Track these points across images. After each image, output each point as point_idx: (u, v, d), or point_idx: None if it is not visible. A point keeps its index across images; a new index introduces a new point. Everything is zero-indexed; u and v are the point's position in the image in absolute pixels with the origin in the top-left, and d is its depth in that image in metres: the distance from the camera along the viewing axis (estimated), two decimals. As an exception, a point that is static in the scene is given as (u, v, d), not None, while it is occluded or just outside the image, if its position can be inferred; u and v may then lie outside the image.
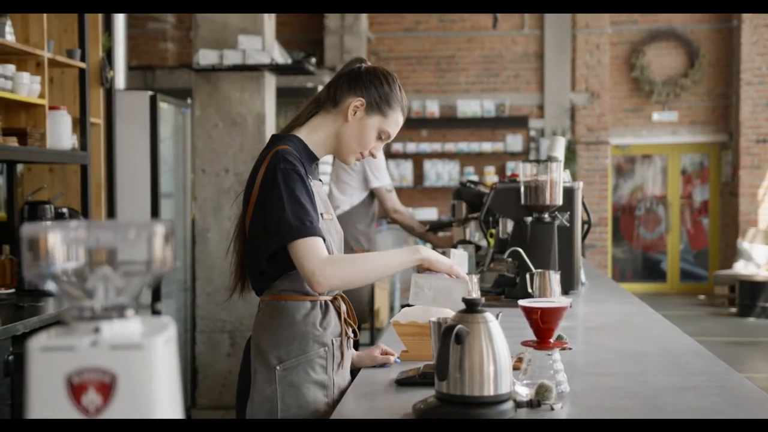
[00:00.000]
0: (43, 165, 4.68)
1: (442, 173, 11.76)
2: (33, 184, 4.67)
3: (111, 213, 4.95)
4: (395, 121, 2.31)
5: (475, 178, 11.40)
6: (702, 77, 11.84)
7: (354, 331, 2.36)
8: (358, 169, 4.72)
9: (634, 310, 3.45)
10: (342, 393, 2.25)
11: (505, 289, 3.67)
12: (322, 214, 2.21)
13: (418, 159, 11.89)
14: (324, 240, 2.13)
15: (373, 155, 2.33)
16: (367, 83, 2.27)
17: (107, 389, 0.92)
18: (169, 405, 0.96)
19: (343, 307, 2.31)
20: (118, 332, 0.95)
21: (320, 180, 2.37)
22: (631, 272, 12.74)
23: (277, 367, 2.19)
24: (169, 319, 1.02)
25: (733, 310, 10.52)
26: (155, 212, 5.33)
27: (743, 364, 7.87)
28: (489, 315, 1.86)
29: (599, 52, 11.76)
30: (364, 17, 11.60)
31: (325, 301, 2.26)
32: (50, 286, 0.97)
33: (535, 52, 11.89)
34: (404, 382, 2.17)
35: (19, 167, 4.69)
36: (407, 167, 11.84)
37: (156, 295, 5.36)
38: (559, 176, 3.71)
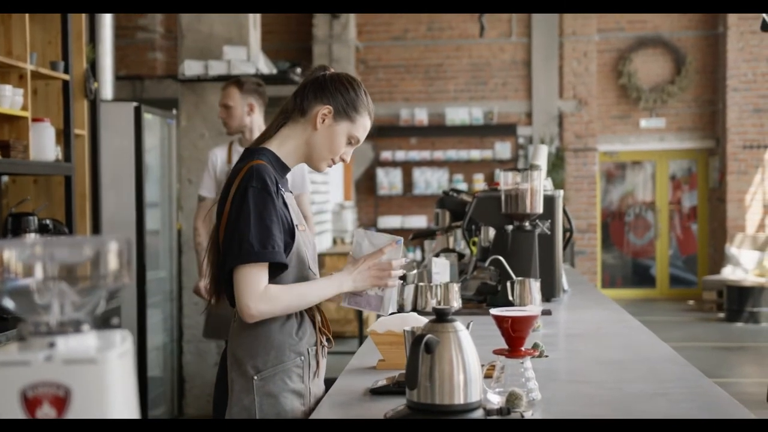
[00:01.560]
0: (28, 177, 4.69)
1: (431, 181, 11.79)
2: (17, 196, 4.67)
3: (96, 224, 4.96)
4: (363, 125, 2.33)
5: (464, 185, 11.44)
6: (689, 84, 11.90)
7: (329, 340, 2.38)
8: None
9: (615, 317, 3.48)
10: (318, 401, 2.27)
11: (487, 297, 3.69)
12: (297, 225, 2.24)
13: (407, 167, 11.92)
14: (285, 265, 2.17)
15: (344, 161, 2.36)
16: (333, 90, 2.29)
17: (61, 403, 0.94)
18: (123, 417, 0.98)
19: (318, 317, 2.33)
20: (73, 347, 0.97)
21: (291, 192, 2.39)
22: (621, 278, 12.77)
23: (255, 377, 2.21)
24: (126, 333, 1.04)
25: (722, 315, 10.55)
26: (140, 222, 5.34)
27: (730, 369, 7.90)
28: (459, 324, 1.88)
29: (586, 60, 11.81)
30: (352, 26, 11.64)
31: (301, 312, 2.28)
32: (7, 302, 0.98)
33: (523, 59, 11.94)
34: (379, 391, 2.19)
35: (4, 179, 4.70)
36: (396, 175, 11.87)
37: (141, 305, 5.36)
38: (539, 185, 3.74)
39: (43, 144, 4.31)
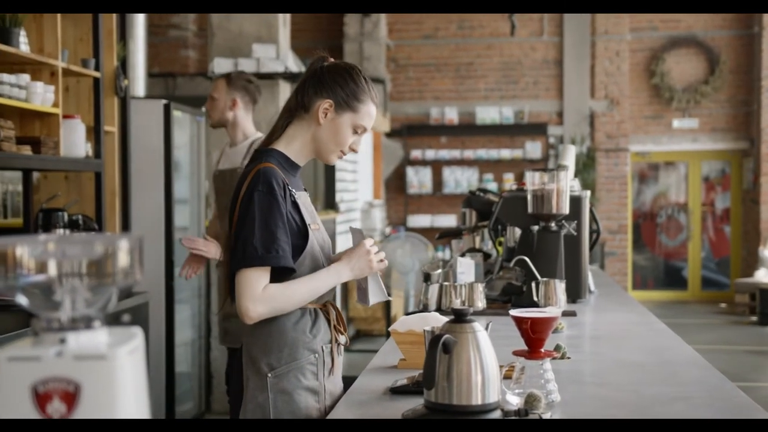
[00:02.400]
0: (59, 173, 4.75)
1: (461, 180, 11.77)
2: (49, 192, 4.73)
3: (125, 220, 5.00)
4: (367, 113, 2.31)
5: (494, 185, 11.42)
6: (723, 84, 11.78)
7: (345, 338, 2.38)
8: None
9: (640, 319, 3.45)
10: (334, 399, 2.29)
11: (512, 298, 3.68)
12: (309, 224, 2.25)
13: (437, 166, 11.91)
14: (292, 269, 2.19)
15: (354, 150, 2.35)
16: (331, 83, 2.28)
17: (71, 398, 0.95)
18: (133, 413, 0.99)
19: (333, 315, 2.34)
20: (83, 343, 0.98)
21: (305, 190, 2.40)
22: (653, 280, 12.67)
23: (269, 375, 2.22)
24: (137, 330, 1.05)
25: (754, 318, 10.44)
26: (169, 219, 5.39)
27: (762, 373, 7.81)
28: (477, 325, 1.88)
29: (619, 59, 11.73)
30: (383, 24, 11.65)
31: (315, 309, 2.29)
32: (20, 298, 1.00)
33: (555, 58, 11.88)
34: (398, 391, 2.19)
35: (35, 175, 4.76)
36: (426, 174, 11.86)
37: (170, 301, 5.41)
38: (566, 185, 3.72)
39: (74, 140, 4.36)
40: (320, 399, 2.26)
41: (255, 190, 2.18)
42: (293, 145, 2.32)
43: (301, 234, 2.22)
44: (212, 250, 3.99)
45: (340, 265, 2.28)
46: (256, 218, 2.15)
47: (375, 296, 2.37)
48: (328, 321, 2.32)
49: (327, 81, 2.28)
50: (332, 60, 2.35)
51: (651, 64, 11.90)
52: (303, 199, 2.30)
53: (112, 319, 1.07)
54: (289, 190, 2.22)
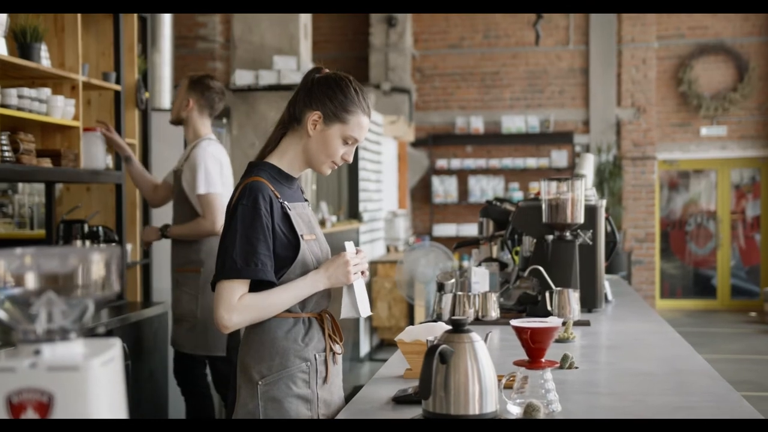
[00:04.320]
0: (81, 185, 4.81)
1: (487, 189, 11.76)
2: (71, 203, 4.79)
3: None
4: (357, 124, 2.32)
5: (519, 194, 11.39)
6: (751, 91, 11.67)
7: (340, 347, 2.39)
8: None
9: (654, 329, 3.43)
10: (329, 408, 2.30)
11: (527, 307, 3.67)
12: (302, 235, 2.26)
13: (462, 175, 11.91)
14: (272, 282, 2.21)
15: (346, 160, 2.36)
16: (320, 95, 2.29)
17: (45, 408, 0.98)
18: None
19: (328, 323, 2.35)
20: (59, 354, 1.00)
21: (305, 200, 2.42)
22: (681, 288, 12.56)
23: (259, 382, 2.24)
24: (115, 341, 1.07)
25: (784, 327, 10.31)
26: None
27: (790, 383, 7.71)
28: (475, 335, 1.88)
29: (645, 67, 11.66)
30: (408, 34, 11.68)
31: (309, 318, 2.30)
32: (-2, 311, 1.02)
33: (581, 67, 11.84)
34: (401, 400, 2.20)
35: (58, 186, 4.83)
36: (452, 183, 11.86)
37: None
38: (581, 194, 3.71)
39: (94, 153, 4.42)
40: (312, 407, 2.27)
41: (239, 203, 2.22)
42: (286, 157, 2.34)
43: (290, 245, 2.24)
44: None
45: (317, 273, 2.29)
46: (238, 231, 2.19)
47: (347, 310, 2.36)
48: (323, 330, 2.33)
49: (316, 93, 2.30)
50: (326, 71, 2.37)
51: (678, 71, 11.82)
52: (299, 210, 2.32)
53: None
54: (280, 203, 2.25)
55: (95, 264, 1.03)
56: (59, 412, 0.98)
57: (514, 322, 2.09)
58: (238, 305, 2.19)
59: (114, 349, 1.05)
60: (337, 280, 2.30)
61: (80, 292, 1.03)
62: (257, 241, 2.19)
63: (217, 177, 4.28)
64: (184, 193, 4.28)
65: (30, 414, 0.98)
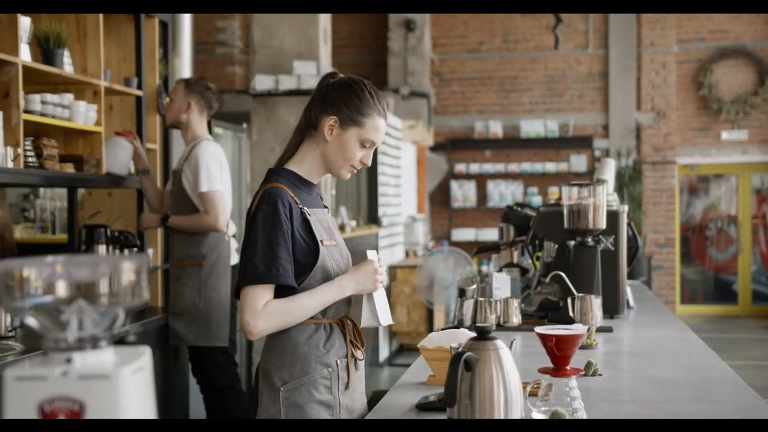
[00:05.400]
0: (102, 189, 4.83)
1: (506, 194, 11.73)
2: (92, 208, 4.82)
3: (166, 236, 5.07)
4: (374, 127, 2.32)
5: (538, 198, 11.35)
6: (773, 95, 11.59)
7: (362, 353, 2.39)
8: None
9: (677, 335, 3.41)
10: (351, 414, 2.30)
11: (548, 313, 3.66)
12: (322, 241, 2.26)
13: (481, 179, 11.88)
14: (293, 287, 2.21)
15: (365, 164, 2.37)
16: (335, 100, 2.30)
17: (76, 417, 0.98)
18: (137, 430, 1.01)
19: (349, 329, 2.35)
20: (89, 363, 1.01)
21: (325, 207, 2.43)
22: (702, 294, 12.47)
23: (281, 389, 2.24)
24: (144, 349, 1.07)
25: (806, 333, 10.22)
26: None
27: (813, 390, 7.64)
28: (500, 342, 1.87)
29: (665, 71, 11.61)
30: (427, 39, 11.68)
31: (330, 323, 2.30)
32: (29, 319, 1.03)
33: (600, 71, 11.80)
34: (425, 407, 2.19)
35: (80, 191, 4.85)
36: (470, 188, 11.84)
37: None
38: (603, 199, 3.69)
39: (116, 158, 4.44)
40: (334, 413, 2.27)
41: (259, 209, 2.23)
42: (305, 163, 2.35)
43: (310, 251, 2.25)
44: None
45: (344, 278, 2.29)
46: (259, 237, 2.20)
47: (367, 319, 2.35)
48: (344, 335, 2.33)
49: (331, 98, 2.31)
50: (341, 76, 2.37)
51: (699, 75, 11.75)
52: (318, 216, 2.32)
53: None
54: (299, 209, 2.25)
55: (125, 272, 1.03)
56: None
57: (539, 329, 2.08)
58: (264, 311, 2.20)
59: (144, 358, 1.06)
60: (364, 287, 2.31)
61: (110, 300, 1.04)
62: (278, 247, 2.20)
63: (218, 175, 4.38)
64: (185, 192, 4.36)
65: (61, 422, 0.98)
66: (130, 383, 1.00)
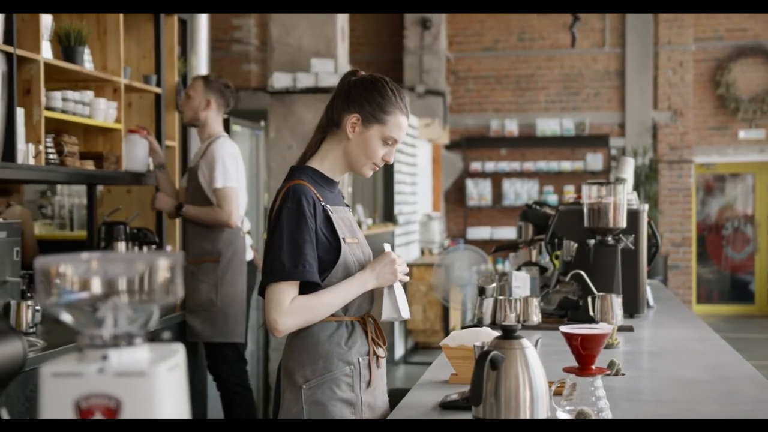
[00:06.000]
0: (121, 186, 4.85)
1: (521, 192, 11.70)
2: (112, 205, 4.83)
3: (184, 232, 5.08)
4: (396, 124, 2.32)
5: (554, 197, 11.32)
6: (791, 94, 11.52)
7: (383, 351, 2.39)
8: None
9: (699, 335, 3.39)
10: (373, 412, 2.30)
11: (568, 312, 3.64)
12: (344, 238, 2.27)
13: (496, 178, 11.86)
14: (317, 283, 2.22)
15: (387, 161, 2.37)
16: (358, 97, 2.30)
17: (112, 414, 0.98)
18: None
19: (371, 327, 2.34)
20: (125, 360, 1.01)
21: (347, 205, 2.43)
22: (718, 293, 12.41)
23: (303, 386, 2.24)
24: (178, 347, 1.07)
25: (824, 333, 10.16)
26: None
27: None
28: (525, 341, 1.87)
29: (682, 70, 11.55)
30: (443, 37, 11.66)
31: (352, 321, 2.30)
32: (64, 315, 1.03)
33: (616, 69, 11.75)
34: (448, 406, 2.18)
35: (99, 188, 4.87)
36: (486, 186, 11.82)
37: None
38: (623, 198, 3.67)
39: (135, 155, 4.45)
40: (356, 411, 2.27)
41: (284, 206, 2.23)
42: (327, 161, 2.35)
43: (332, 248, 2.25)
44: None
45: (365, 273, 2.29)
46: (284, 234, 2.20)
47: (388, 312, 2.34)
48: (366, 333, 2.33)
49: (353, 95, 2.31)
50: (362, 74, 2.37)
51: (716, 74, 11.69)
52: (340, 213, 2.32)
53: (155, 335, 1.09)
54: (322, 206, 2.25)
55: (161, 269, 1.03)
56: (126, 418, 0.98)
57: (564, 329, 2.07)
58: (290, 308, 2.20)
59: (178, 355, 1.05)
60: (384, 279, 2.30)
61: (145, 298, 1.04)
62: (303, 243, 2.20)
63: (233, 172, 4.39)
64: (201, 188, 4.38)
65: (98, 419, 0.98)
66: (165, 381, 1.00)
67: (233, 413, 4.54)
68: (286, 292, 2.20)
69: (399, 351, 8.55)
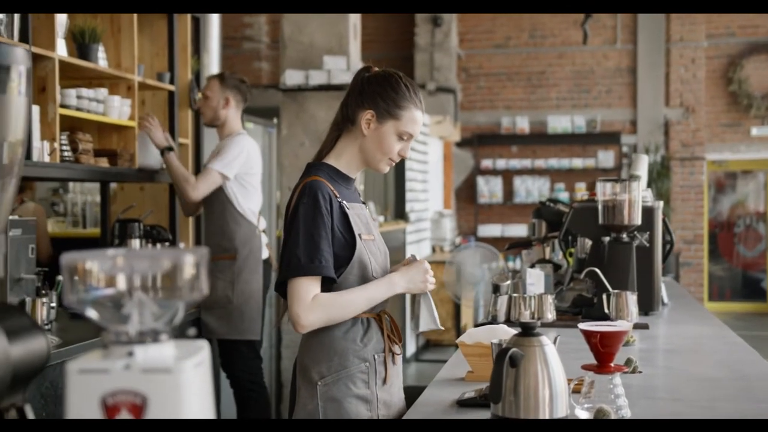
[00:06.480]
0: (135, 184, 4.86)
1: (532, 190, 11.68)
2: (125, 203, 4.84)
3: (198, 230, 5.09)
4: (411, 119, 2.32)
5: (565, 194, 11.29)
6: (804, 90, 11.46)
7: (399, 348, 2.39)
8: None
9: (715, 332, 3.37)
10: (389, 409, 2.30)
11: (582, 310, 3.63)
12: (360, 235, 2.27)
13: (507, 175, 11.84)
14: (333, 279, 2.22)
15: (403, 156, 2.37)
16: (371, 94, 2.30)
17: (139, 410, 0.98)
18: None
19: (387, 324, 2.34)
20: (151, 356, 1.00)
21: (362, 203, 2.42)
22: (730, 291, 12.37)
23: (318, 383, 2.25)
24: (203, 343, 1.07)
25: (837, 331, 10.11)
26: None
27: None
28: (545, 338, 1.86)
29: (694, 66, 11.50)
30: (454, 34, 11.64)
31: (367, 318, 2.30)
32: (90, 311, 1.03)
33: (628, 66, 11.71)
34: (465, 403, 2.18)
35: (112, 186, 4.88)
36: (497, 183, 11.80)
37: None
38: (638, 195, 3.66)
39: (149, 152, 4.46)
40: (372, 408, 2.27)
41: (300, 202, 2.23)
42: (343, 158, 2.35)
43: (348, 245, 2.25)
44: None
45: (395, 276, 2.30)
46: (301, 229, 2.21)
47: (426, 323, 2.34)
48: (381, 330, 2.32)
49: (367, 92, 2.31)
50: (376, 70, 2.36)
51: (728, 71, 11.64)
52: (356, 210, 2.32)
53: (178, 332, 1.09)
54: (339, 202, 2.25)
55: (186, 266, 1.03)
56: (152, 414, 0.98)
57: (582, 326, 2.06)
58: (314, 303, 2.20)
59: (203, 352, 1.05)
60: (415, 286, 2.30)
61: (171, 294, 1.03)
62: (320, 239, 2.20)
63: (231, 165, 4.36)
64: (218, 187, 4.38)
65: (124, 416, 0.98)
66: (191, 377, 1.00)
67: (247, 411, 4.54)
68: (307, 287, 2.19)
69: (410, 349, 8.54)
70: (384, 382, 2.31)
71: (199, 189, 4.31)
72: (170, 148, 4.45)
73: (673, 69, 11.56)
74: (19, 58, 1.12)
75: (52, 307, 3.47)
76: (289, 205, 2.30)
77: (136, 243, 4.29)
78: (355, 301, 2.24)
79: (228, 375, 4.60)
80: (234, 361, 4.54)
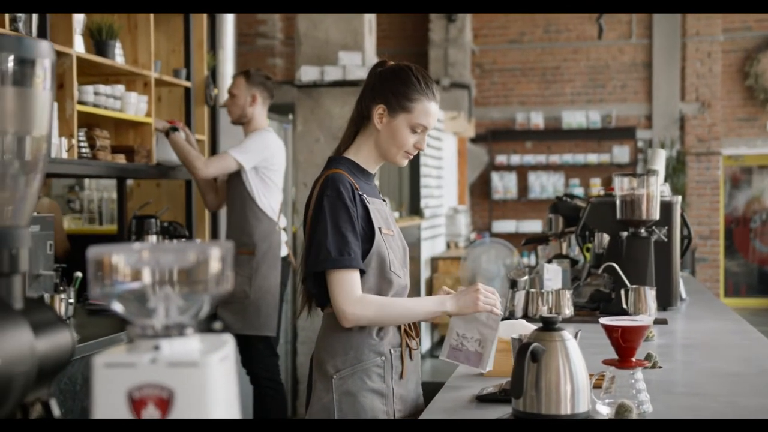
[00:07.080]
0: (151, 180, 4.87)
1: (547, 185, 11.64)
2: (141, 199, 4.85)
3: (214, 226, 5.10)
4: (423, 111, 2.32)
5: (580, 189, 11.26)
6: (821, 85, 11.38)
7: (416, 342, 2.39)
8: None
9: (734, 327, 3.36)
10: (405, 404, 2.30)
11: (600, 305, 3.62)
12: (380, 228, 2.27)
13: (522, 171, 11.81)
14: (364, 271, 2.23)
15: (419, 149, 2.37)
16: (382, 88, 2.30)
17: (165, 404, 0.97)
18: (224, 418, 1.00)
19: None
20: (177, 350, 1.00)
21: (383, 199, 2.43)
22: (746, 286, 12.30)
23: (334, 376, 2.25)
24: (228, 337, 1.07)
25: None
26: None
27: None
28: (566, 333, 1.85)
29: (710, 61, 11.44)
30: (468, 29, 11.61)
31: None
32: (115, 305, 1.03)
33: (643, 61, 11.66)
34: (485, 399, 2.17)
35: (128, 182, 4.89)
36: (511, 179, 11.77)
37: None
38: (656, 190, 3.64)
39: (165, 149, 4.46)
40: (387, 402, 2.27)
41: (324, 195, 2.24)
42: (362, 153, 2.36)
43: (367, 238, 2.26)
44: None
45: (447, 296, 2.31)
46: (328, 222, 2.21)
47: (490, 363, 2.31)
48: (398, 325, 2.33)
49: (378, 86, 2.32)
50: (390, 64, 2.37)
51: (745, 65, 11.57)
52: (377, 205, 2.33)
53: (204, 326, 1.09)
54: (359, 195, 2.26)
55: (212, 260, 1.03)
56: (179, 408, 0.98)
57: (604, 320, 2.05)
58: (363, 300, 2.21)
59: (228, 346, 1.05)
60: (464, 305, 2.29)
61: (196, 288, 1.03)
62: (347, 231, 2.21)
63: (249, 155, 4.35)
64: (241, 182, 4.36)
65: (151, 410, 0.98)
66: (217, 371, 0.99)
67: (264, 408, 4.55)
68: (350, 281, 2.20)
69: (425, 345, 8.54)
70: (401, 377, 2.31)
71: (209, 167, 4.32)
72: (174, 129, 4.46)
73: (689, 63, 11.50)
74: (44, 52, 1.12)
75: (70, 303, 3.48)
76: (310, 198, 2.31)
77: (152, 239, 4.30)
78: (403, 305, 2.27)
79: (248, 372, 4.61)
80: (251, 357, 4.54)
